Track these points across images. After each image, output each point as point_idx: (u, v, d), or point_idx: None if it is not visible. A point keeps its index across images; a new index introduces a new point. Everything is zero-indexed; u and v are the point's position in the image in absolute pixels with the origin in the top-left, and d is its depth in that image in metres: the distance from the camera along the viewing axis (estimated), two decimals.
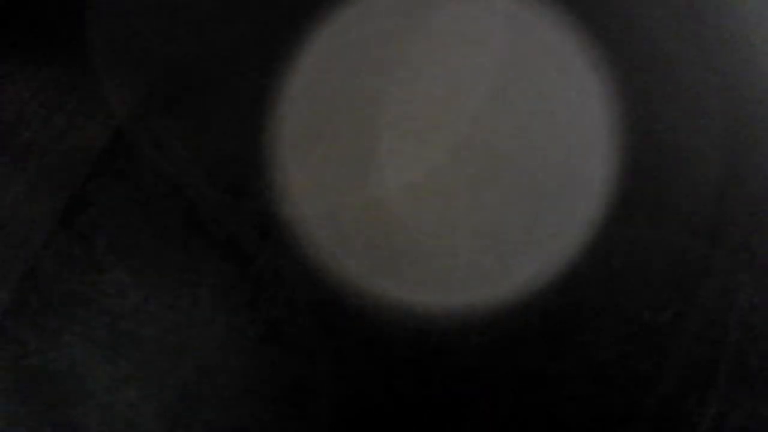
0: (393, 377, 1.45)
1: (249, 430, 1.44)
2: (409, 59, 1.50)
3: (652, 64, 1.55)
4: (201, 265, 1.48)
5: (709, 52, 1.56)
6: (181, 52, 1.55)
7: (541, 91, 1.52)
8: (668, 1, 1.58)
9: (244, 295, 1.47)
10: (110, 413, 1.45)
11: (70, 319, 1.48)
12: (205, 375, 1.45)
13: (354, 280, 1.46)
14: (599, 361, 1.46)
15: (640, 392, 1.45)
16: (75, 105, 1.55)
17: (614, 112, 1.51)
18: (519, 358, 1.45)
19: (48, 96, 1.57)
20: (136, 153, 1.51)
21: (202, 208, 1.49)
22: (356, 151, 1.49)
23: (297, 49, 1.52)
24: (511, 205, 1.47)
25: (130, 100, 1.53)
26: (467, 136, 1.48)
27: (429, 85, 1.50)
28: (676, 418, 1.44)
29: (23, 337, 1.47)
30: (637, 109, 1.52)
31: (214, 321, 1.46)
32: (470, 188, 1.48)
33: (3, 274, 1.49)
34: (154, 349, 1.46)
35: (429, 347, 1.46)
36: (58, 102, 1.56)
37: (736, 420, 1.45)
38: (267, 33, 1.54)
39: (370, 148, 1.48)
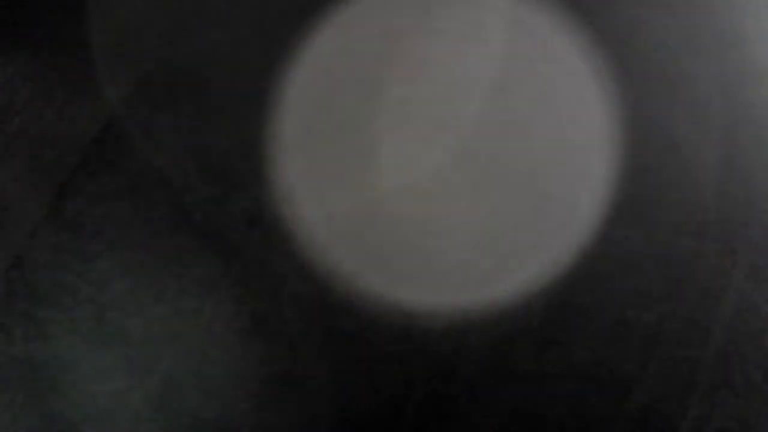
0: (377, 373, 1.45)
1: (233, 421, 1.44)
2: (409, 59, 1.50)
3: (651, 66, 1.55)
4: (188, 257, 1.48)
5: (709, 53, 1.57)
6: (178, 47, 1.55)
7: (540, 92, 1.52)
8: (668, 3, 1.58)
9: (231, 287, 1.47)
10: (95, 402, 1.45)
11: (57, 308, 1.47)
12: (190, 366, 1.45)
13: (342, 276, 1.46)
14: (583, 361, 1.46)
15: (623, 393, 1.45)
16: (65, 95, 1.55)
17: (613, 113, 1.51)
18: (502, 357, 1.46)
19: (39, 85, 1.56)
20: (125, 143, 1.51)
21: (190, 199, 1.49)
22: (354, 150, 1.49)
23: (296, 48, 1.52)
24: (505, 207, 1.48)
25: (124, 91, 1.53)
26: (466, 136, 1.49)
27: (429, 85, 1.50)
28: (658, 418, 1.44)
29: (10, 325, 1.47)
30: (635, 110, 1.52)
31: (200, 312, 1.47)
32: (466, 188, 1.48)
33: None
34: (140, 339, 1.46)
35: (414, 344, 1.46)
36: (49, 92, 1.56)
37: (717, 421, 1.45)
38: (266, 31, 1.55)
39: (369, 147, 1.48)
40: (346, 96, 1.46)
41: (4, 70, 1.57)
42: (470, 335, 1.45)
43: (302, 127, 1.48)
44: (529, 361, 1.45)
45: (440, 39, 1.50)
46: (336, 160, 1.48)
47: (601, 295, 1.48)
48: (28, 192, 1.51)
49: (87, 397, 1.45)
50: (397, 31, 1.50)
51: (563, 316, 1.47)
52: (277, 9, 1.53)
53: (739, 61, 1.57)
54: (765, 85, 1.56)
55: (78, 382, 1.45)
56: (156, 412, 1.45)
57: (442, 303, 1.46)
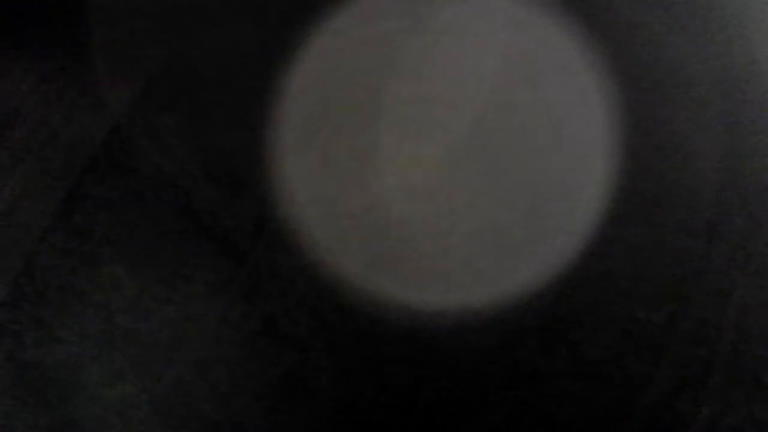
0: (385, 373, 1.45)
1: (243, 423, 1.44)
2: (409, 59, 1.51)
3: (651, 66, 1.55)
4: (196, 260, 1.48)
5: (710, 53, 1.57)
6: (183, 48, 1.56)
7: (540, 92, 1.52)
8: (669, 3, 1.58)
9: (239, 290, 1.47)
10: (105, 407, 1.45)
11: (66, 312, 1.48)
12: (200, 369, 1.45)
13: (350, 277, 1.46)
14: (593, 360, 1.45)
15: (634, 392, 1.45)
16: (72, 100, 1.55)
17: (613, 113, 1.51)
18: (512, 355, 1.45)
19: (46, 91, 1.57)
20: (133, 147, 1.51)
21: (198, 202, 1.49)
22: (356, 150, 1.49)
23: (297, 49, 1.52)
24: (509, 206, 1.47)
25: (130, 94, 1.53)
26: (467, 136, 1.49)
27: (429, 85, 1.50)
28: (669, 418, 1.44)
29: (19, 330, 1.47)
30: (636, 110, 1.52)
31: (209, 315, 1.46)
32: (469, 187, 1.48)
33: (0, 268, 1.49)
34: (149, 343, 1.46)
35: (422, 344, 1.46)
36: (56, 97, 1.56)
37: (729, 420, 1.44)
38: (268, 32, 1.55)
39: (370, 148, 1.48)
40: (348, 96, 1.46)
41: (10, 74, 1.57)
42: (479, 334, 1.45)
43: (305, 127, 1.48)
44: (538, 360, 1.45)
45: (440, 39, 1.51)
46: (340, 161, 1.48)
47: (610, 294, 1.47)
48: (37, 197, 1.51)
49: (97, 401, 1.45)
50: (397, 31, 1.50)
51: (572, 315, 1.47)
52: (278, 9, 1.53)
53: (739, 61, 1.57)
54: (764, 84, 1.55)
55: (88, 386, 1.45)
56: (166, 415, 1.44)
57: (450, 302, 1.46)
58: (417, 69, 1.50)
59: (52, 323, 1.47)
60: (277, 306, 1.47)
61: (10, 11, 1.61)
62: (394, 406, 1.44)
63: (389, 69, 1.49)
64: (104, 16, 1.56)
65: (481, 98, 1.49)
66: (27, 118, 1.55)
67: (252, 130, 1.51)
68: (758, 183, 1.53)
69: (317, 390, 1.45)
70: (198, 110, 1.52)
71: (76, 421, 1.45)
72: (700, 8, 1.58)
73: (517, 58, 1.51)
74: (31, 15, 1.62)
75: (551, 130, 1.50)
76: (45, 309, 1.48)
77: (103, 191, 1.50)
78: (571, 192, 1.49)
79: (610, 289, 1.47)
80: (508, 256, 1.47)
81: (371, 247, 1.46)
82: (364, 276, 1.46)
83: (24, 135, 1.55)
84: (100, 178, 1.51)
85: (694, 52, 1.55)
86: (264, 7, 1.54)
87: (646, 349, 1.45)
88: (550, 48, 1.52)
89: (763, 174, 1.53)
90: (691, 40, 1.56)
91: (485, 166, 1.48)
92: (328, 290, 1.46)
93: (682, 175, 1.52)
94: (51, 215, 1.50)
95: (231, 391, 1.45)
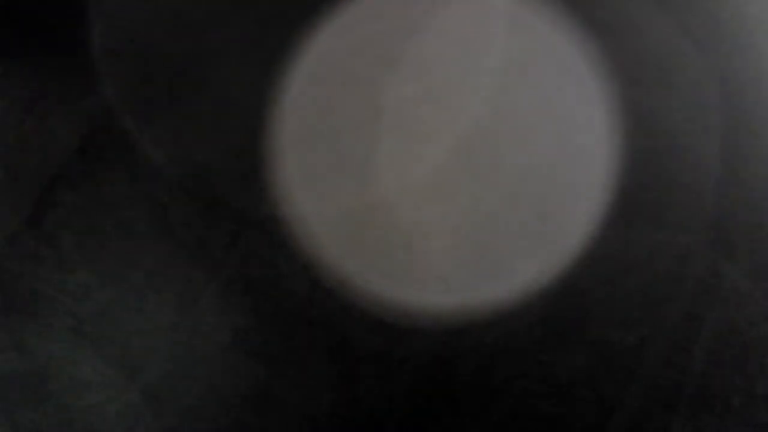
0: (356, 387, 1.45)
1: None
2: (409, 59, 1.50)
3: (652, 65, 1.55)
4: (168, 270, 1.47)
5: (710, 52, 1.57)
6: (169, 53, 1.55)
7: (541, 92, 1.52)
8: (669, 2, 1.59)
9: (211, 301, 1.46)
10: (71, 416, 1.44)
11: (34, 319, 1.46)
12: (169, 380, 1.44)
13: (323, 289, 1.46)
14: (564, 380, 1.45)
15: (605, 414, 1.45)
16: (45, 106, 1.54)
17: (613, 113, 1.51)
18: (482, 372, 1.45)
19: (18, 96, 1.55)
20: (108, 155, 1.50)
21: (172, 211, 1.48)
22: (355, 152, 1.48)
23: (294, 49, 1.52)
24: (504, 210, 1.47)
25: (108, 101, 1.52)
26: (467, 136, 1.48)
27: (429, 85, 1.50)
28: None
29: None
30: (636, 110, 1.52)
31: (180, 326, 1.45)
32: (464, 190, 1.48)
33: None
34: (118, 353, 1.45)
35: (394, 358, 1.45)
36: (28, 102, 1.55)
37: None
38: (263, 34, 1.54)
39: (369, 149, 1.48)
40: (346, 96, 1.46)
41: None
42: (451, 353, 1.45)
43: (301, 128, 1.47)
44: (510, 378, 1.45)
45: (440, 39, 1.50)
46: (335, 162, 1.47)
47: (583, 316, 1.47)
48: (6, 202, 1.50)
49: (63, 410, 1.44)
50: (397, 31, 1.50)
51: (545, 336, 1.47)
52: (275, 9, 1.52)
53: (739, 60, 1.57)
54: (765, 85, 1.56)
55: (54, 395, 1.44)
56: (133, 426, 1.43)
57: (424, 317, 1.45)
58: (417, 69, 1.50)
59: (18, 330, 1.46)
60: (248, 319, 1.46)
61: None
62: (366, 422, 1.44)
63: (389, 69, 1.49)
64: (82, 20, 1.55)
65: (481, 98, 1.49)
66: None
67: (234, 139, 1.50)
68: (749, 194, 1.53)
69: (288, 405, 1.44)
70: (179, 118, 1.51)
71: (42, 430, 1.43)
72: (701, 7, 1.58)
73: (518, 59, 1.51)
74: (2, 18, 1.60)
75: (549, 131, 1.51)
76: (12, 315, 1.46)
77: (74, 198, 1.49)
78: (565, 201, 1.49)
79: (583, 311, 1.47)
80: (486, 273, 1.47)
81: (353, 253, 1.46)
82: (341, 284, 1.45)
83: None
84: (72, 185, 1.49)
85: (693, 51, 1.56)
86: (259, 8, 1.53)
87: (617, 371, 1.46)
88: (550, 49, 1.52)
89: (756, 181, 1.53)
90: (692, 40, 1.57)
91: (481, 167, 1.48)
92: (302, 304, 1.46)
93: (668, 190, 1.52)
94: (20, 221, 1.49)
95: (200, 404, 1.44)
